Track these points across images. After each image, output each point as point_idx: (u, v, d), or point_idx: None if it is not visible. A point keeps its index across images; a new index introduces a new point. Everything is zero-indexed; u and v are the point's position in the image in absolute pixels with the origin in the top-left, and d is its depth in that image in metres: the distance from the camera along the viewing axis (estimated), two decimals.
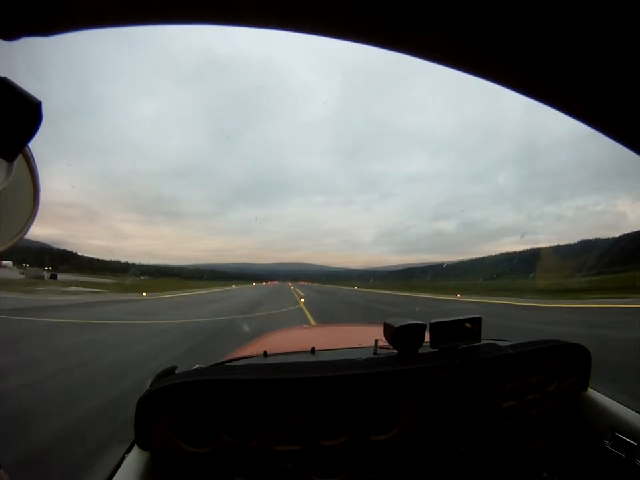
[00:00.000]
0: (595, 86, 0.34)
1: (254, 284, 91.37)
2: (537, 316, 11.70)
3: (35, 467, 2.41)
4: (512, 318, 10.80)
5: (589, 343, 1.28)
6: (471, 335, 1.15)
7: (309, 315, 12.24)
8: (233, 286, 62.96)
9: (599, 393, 1.30)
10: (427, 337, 1.13)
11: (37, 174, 0.48)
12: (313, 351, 1.44)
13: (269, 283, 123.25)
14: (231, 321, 10.61)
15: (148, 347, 6.69)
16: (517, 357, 1.17)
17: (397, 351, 1.13)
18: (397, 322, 1.10)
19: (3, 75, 0.34)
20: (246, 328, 8.80)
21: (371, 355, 1.22)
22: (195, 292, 35.20)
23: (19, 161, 0.41)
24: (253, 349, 1.72)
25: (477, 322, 1.15)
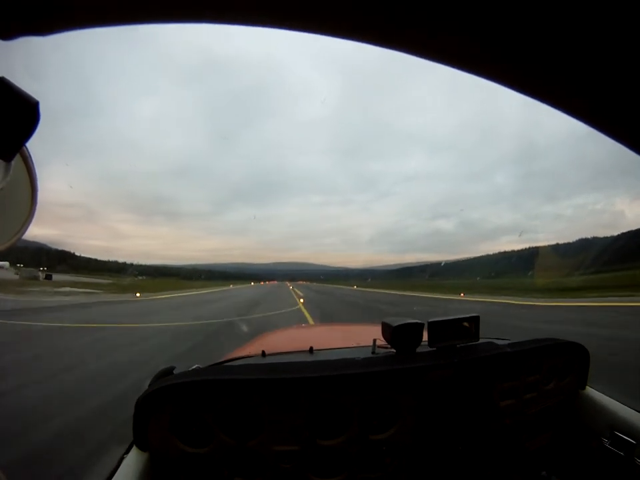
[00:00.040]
0: (594, 85, 0.35)
1: (252, 284, 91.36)
2: (551, 315, 11.42)
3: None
4: (527, 319, 10.41)
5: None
6: (469, 334, 1.15)
7: (309, 317, 11.93)
8: (231, 286, 62.32)
9: (597, 392, 1.31)
10: (425, 336, 1.13)
11: (35, 174, 0.48)
12: (311, 350, 1.44)
13: (267, 282, 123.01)
14: (226, 324, 9.76)
15: (127, 358, 5.77)
16: (514, 355, 1.17)
17: (394, 350, 1.13)
18: (395, 321, 1.10)
19: (0, 75, 0.34)
20: (244, 329, 8.39)
21: (369, 354, 1.22)
22: (192, 292, 34.78)
23: (17, 160, 0.41)
24: (251, 348, 1.72)
25: (474, 321, 1.15)
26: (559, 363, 1.27)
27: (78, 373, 4.98)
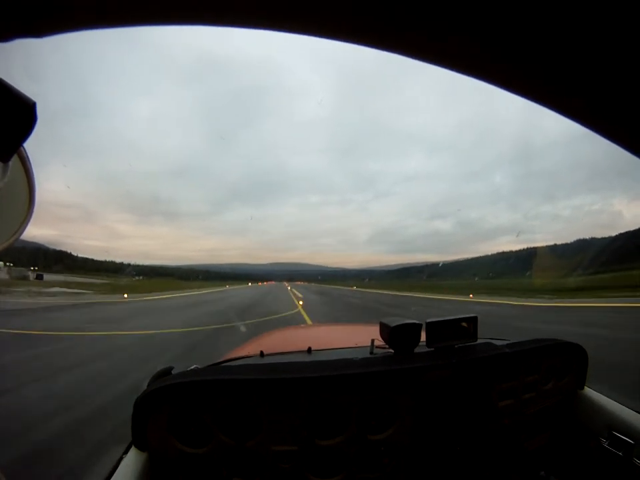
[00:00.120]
0: (591, 87, 0.35)
1: (249, 284, 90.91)
2: (551, 315, 11.19)
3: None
4: (526, 319, 10.16)
5: None
6: (467, 334, 1.15)
7: (309, 322, 10.90)
8: (227, 286, 61.28)
9: (595, 392, 1.31)
10: (423, 337, 1.13)
11: (33, 174, 0.47)
12: (309, 350, 1.44)
13: (264, 283, 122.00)
14: (212, 332, 8.36)
15: (83, 377, 4.58)
16: (513, 355, 1.17)
17: (393, 351, 1.13)
18: (393, 321, 1.10)
19: None
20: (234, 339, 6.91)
21: (367, 355, 1.22)
22: (185, 293, 33.76)
23: (14, 161, 0.41)
24: (250, 349, 1.72)
25: (473, 321, 1.16)
26: (557, 363, 1.28)
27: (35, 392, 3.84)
